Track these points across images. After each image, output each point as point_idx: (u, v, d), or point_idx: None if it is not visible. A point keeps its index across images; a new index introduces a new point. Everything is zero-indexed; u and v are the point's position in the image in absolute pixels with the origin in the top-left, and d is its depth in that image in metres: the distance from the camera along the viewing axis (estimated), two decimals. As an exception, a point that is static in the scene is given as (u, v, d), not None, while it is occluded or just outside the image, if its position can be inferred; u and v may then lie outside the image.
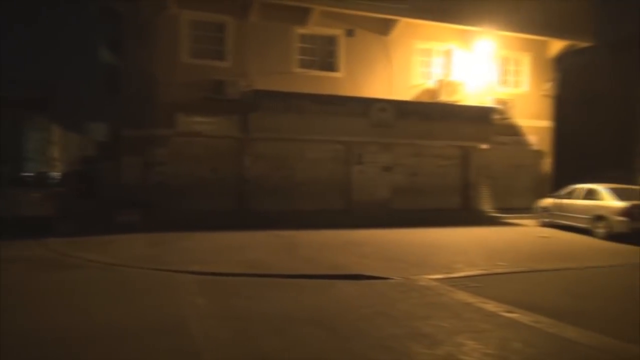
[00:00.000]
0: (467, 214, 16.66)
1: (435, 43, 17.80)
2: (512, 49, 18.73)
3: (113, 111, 15.73)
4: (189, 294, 6.59)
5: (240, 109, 14.75)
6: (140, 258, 8.81)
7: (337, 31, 16.52)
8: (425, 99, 17.18)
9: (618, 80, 22.50)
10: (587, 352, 4.75)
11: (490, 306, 6.16)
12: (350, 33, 16.55)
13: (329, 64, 16.60)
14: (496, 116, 17.43)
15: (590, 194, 13.39)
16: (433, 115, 16.30)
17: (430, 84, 17.53)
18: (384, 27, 16.84)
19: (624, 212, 12.02)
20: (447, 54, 17.99)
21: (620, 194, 12.70)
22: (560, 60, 20.25)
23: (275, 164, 15.55)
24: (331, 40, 16.58)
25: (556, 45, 19.07)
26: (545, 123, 19.26)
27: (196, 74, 14.71)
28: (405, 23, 16.79)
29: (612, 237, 12.13)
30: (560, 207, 14.38)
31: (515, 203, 17.67)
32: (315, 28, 16.24)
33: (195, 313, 5.72)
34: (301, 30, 16.10)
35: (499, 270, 8.47)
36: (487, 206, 17.55)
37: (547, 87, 19.28)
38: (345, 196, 16.14)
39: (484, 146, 17.29)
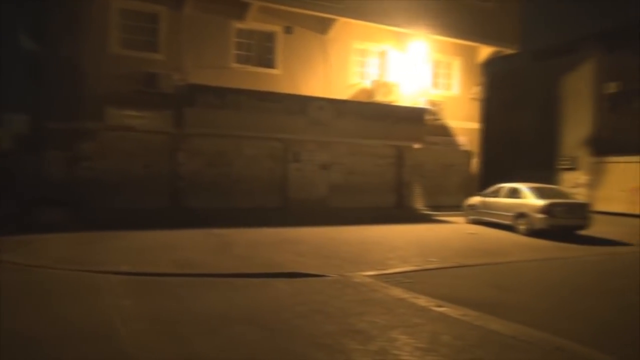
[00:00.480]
0: (401, 212, 17.12)
1: (371, 44, 18.11)
2: (444, 53, 19.43)
3: (36, 102, 14.67)
4: (115, 296, 6.26)
5: (175, 104, 14.27)
6: (63, 259, 8.26)
7: (275, 28, 16.40)
8: (362, 98, 17.44)
9: (540, 85, 24.01)
10: (509, 342, 4.98)
11: (422, 301, 6.33)
12: (288, 30, 16.48)
13: (267, 61, 16.44)
14: (429, 117, 18.02)
15: (514, 193, 14.14)
16: (369, 115, 16.58)
17: (366, 84, 17.82)
18: (322, 26, 16.91)
19: (543, 210, 12.79)
20: (383, 55, 18.36)
21: (540, 193, 13.50)
22: (488, 66, 21.28)
23: (211, 160, 15.19)
24: (269, 37, 16.43)
25: (484, 51, 19.99)
26: (474, 125, 20.15)
27: (127, 66, 14.06)
28: (342, 23, 16.95)
29: (532, 233, 12.89)
30: (486, 205, 15.09)
31: (446, 201, 18.38)
32: (253, 23, 16.01)
33: (122, 317, 5.43)
34: (239, 25, 15.83)
35: (431, 266, 8.74)
36: (419, 204, 18.13)
37: (476, 90, 20.18)
38: (282, 194, 16.06)
39: (417, 146, 17.83)
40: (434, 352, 4.61)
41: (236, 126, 14.73)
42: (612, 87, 21.87)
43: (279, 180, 16.05)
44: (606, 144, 21.63)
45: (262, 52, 16.40)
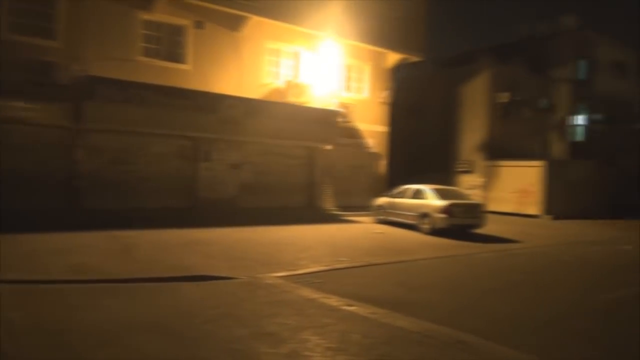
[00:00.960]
0: (311, 212, 17.28)
1: (285, 44, 18.10)
2: (356, 57, 19.95)
3: None
4: (1, 308, 5.63)
5: (72, 96, 13.19)
6: (-64, 266, 7.28)
7: (185, 21, 15.81)
8: (274, 98, 17.37)
9: (442, 92, 25.50)
10: (414, 337, 5.18)
11: (332, 301, 6.39)
12: (199, 25, 15.97)
13: (176, 55, 15.81)
14: (339, 119, 18.38)
15: (418, 194, 14.84)
16: (281, 115, 16.54)
17: (279, 84, 17.78)
18: (235, 23, 16.60)
19: (444, 210, 13.56)
20: (296, 56, 18.43)
21: (441, 194, 14.30)
22: (396, 71, 22.20)
23: (114, 158, 14.27)
24: (179, 31, 15.80)
25: (392, 58, 20.80)
26: (382, 128, 20.90)
27: (18, 53, 12.77)
28: (256, 21, 16.76)
29: (434, 232, 13.62)
30: (392, 206, 15.70)
31: (355, 201, 18.88)
32: (161, 15, 15.32)
33: (8, 331, 4.89)
34: (145, 16, 15.05)
35: (341, 266, 8.88)
36: (329, 204, 18.43)
37: (384, 95, 20.95)
38: (191, 194, 15.52)
39: (328, 147, 18.11)
40: (344, 352, 4.66)
41: (142, 122, 13.97)
42: (503, 97, 23.80)
43: (188, 179, 15.50)
44: (498, 149, 23.49)
45: (171, 46, 15.74)
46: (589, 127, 28.50)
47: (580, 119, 28.27)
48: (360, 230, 14.38)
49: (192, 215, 14.49)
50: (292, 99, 17.53)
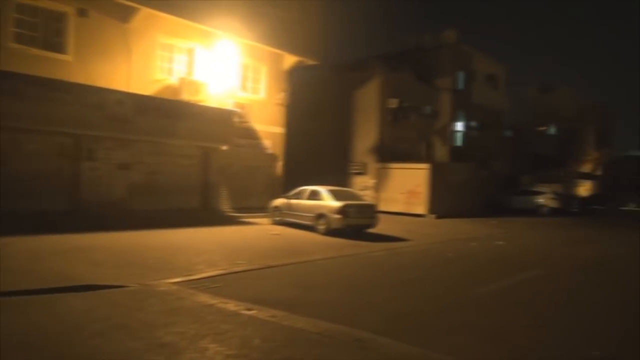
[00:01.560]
0: (206, 214, 16.78)
1: (179, 40, 17.41)
2: (252, 57, 19.78)
3: None
4: None
5: None
6: None
7: (66, 8, 14.53)
8: (167, 96, 16.62)
9: (337, 96, 26.24)
10: (314, 338, 5.23)
11: (231, 305, 6.24)
12: (82, 13, 14.77)
13: (55, 44, 14.47)
14: (236, 119, 18.09)
15: (314, 195, 15.09)
16: (175, 114, 15.86)
17: (172, 81, 17.05)
18: (124, 14, 15.61)
19: (339, 211, 13.93)
20: (191, 52, 17.81)
21: (336, 195, 14.68)
22: (293, 74, 22.40)
23: (-21, 156, 12.65)
24: (59, 17, 14.48)
25: (289, 60, 20.97)
26: (278, 129, 20.97)
27: None
28: (147, 13, 15.90)
29: (330, 232, 13.94)
30: (289, 207, 15.79)
31: (252, 203, 18.70)
32: (38, 0, 13.91)
33: None
34: (19, -1, 13.58)
35: (238, 269, 8.72)
36: (225, 206, 18.05)
37: (281, 96, 21.04)
38: (73, 195, 14.25)
39: (224, 147, 17.73)
40: (245, 358, 4.57)
41: (12, 117, 12.51)
42: (393, 103, 25.13)
43: (69, 180, 14.21)
44: (389, 152, 24.74)
45: (49, 34, 14.37)
46: (467, 133, 31.15)
47: (459, 126, 30.78)
48: (257, 232, 14.26)
49: (75, 219, 13.31)
50: (186, 96, 16.90)
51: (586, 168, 48.08)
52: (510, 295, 7.83)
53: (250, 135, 19.62)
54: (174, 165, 16.75)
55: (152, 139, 15.68)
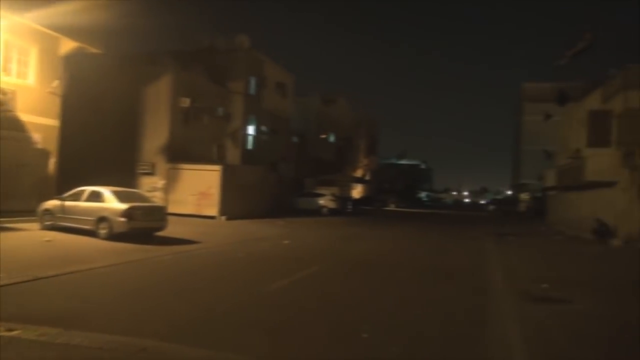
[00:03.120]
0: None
1: None
2: (19, 35, 17.00)
3: None
4: None
5: None
6: None
7: None
8: None
9: (125, 91, 24.32)
10: (95, 353, 4.76)
11: (-14, 328, 5.25)
12: None
13: None
14: (-4, 107, 15.33)
15: (95, 197, 13.75)
16: None
17: None
18: None
19: (124, 214, 12.97)
20: None
21: (121, 197, 13.64)
22: (72, 61, 20.00)
23: None
24: None
25: (67, 44, 18.68)
26: (52, 121, 18.50)
27: None
28: None
29: (114, 237, 12.87)
30: (65, 210, 14.07)
31: (17, 205, 16.02)
32: None
33: None
34: None
35: (-3, 284, 7.39)
36: (-21, 209, 15.08)
37: (56, 84, 18.58)
38: None
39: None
40: (5, 387, 3.90)
41: None
42: (185, 102, 24.52)
43: None
44: (180, 152, 24.04)
45: None
46: (258, 137, 32.30)
47: (251, 129, 31.72)
48: (23, 239, 12.33)
49: None
50: None
51: (359, 173, 54.66)
52: (295, 291, 8.40)
53: (14, 126, 16.83)
54: None
55: None
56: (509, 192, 72.32)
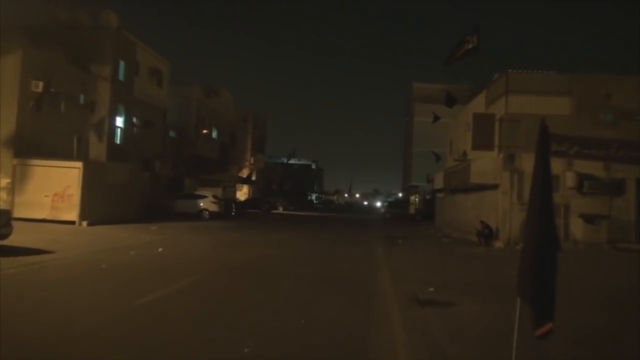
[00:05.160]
0: None
1: None
2: None
3: None
4: None
5: None
6: None
7: None
8: None
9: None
10: None
11: None
12: None
13: None
14: None
15: None
16: None
17: None
18: None
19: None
20: None
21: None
22: None
23: None
24: None
25: None
26: None
27: None
28: None
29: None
30: None
31: None
32: None
33: None
34: None
35: None
36: None
37: None
38: None
39: None
40: None
41: None
42: (38, 86, 22.54)
43: None
44: (31, 146, 22.05)
45: None
46: (128, 130, 30.75)
47: (119, 121, 30.10)
48: None
49: None
50: None
51: (245, 173, 54.43)
52: (166, 305, 8.15)
53: None
54: None
55: None
56: (400, 195, 76.78)
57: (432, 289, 10.22)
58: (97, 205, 21.66)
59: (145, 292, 8.75)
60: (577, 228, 20.97)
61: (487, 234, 21.27)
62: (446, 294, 9.77)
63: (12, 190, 21.24)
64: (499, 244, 20.89)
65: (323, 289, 10.18)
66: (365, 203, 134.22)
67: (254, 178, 55.60)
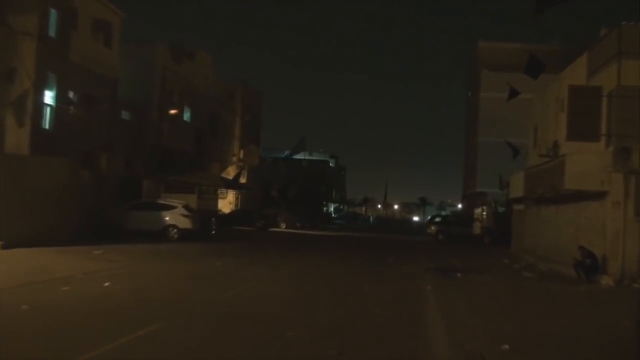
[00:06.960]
0: None
1: None
2: None
3: None
4: None
5: None
6: None
7: None
8: None
9: None
10: None
11: None
12: None
13: None
14: None
15: None
16: None
17: None
18: None
19: None
20: None
21: None
22: None
23: None
24: None
25: None
26: None
27: None
28: None
29: None
30: None
31: None
32: None
33: None
34: None
35: None
36: None
37: None
38: None
39: None
40: None
41: None
42: None
43: None
44: None
45: None
46: (62, 110, 30.79)
47: (49, 97, 30.19)
48: None
49: None
50: None
51: (231, 173, 54.35)
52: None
53: None
54: None
55: None
56: (460, 206, 76.56)
57: (506, 347, 10.08)
58: (16, 220, 21.81)
59: (86, 346, 8.76)
60: None
61: (590, 266, 21.02)
62: (528, 356, 9.63)
63: None
64: (607, 281, 20.62)
65: (343, 347, 10.07)
66: (417, 219, 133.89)
67: (244, 181, 55.75)
